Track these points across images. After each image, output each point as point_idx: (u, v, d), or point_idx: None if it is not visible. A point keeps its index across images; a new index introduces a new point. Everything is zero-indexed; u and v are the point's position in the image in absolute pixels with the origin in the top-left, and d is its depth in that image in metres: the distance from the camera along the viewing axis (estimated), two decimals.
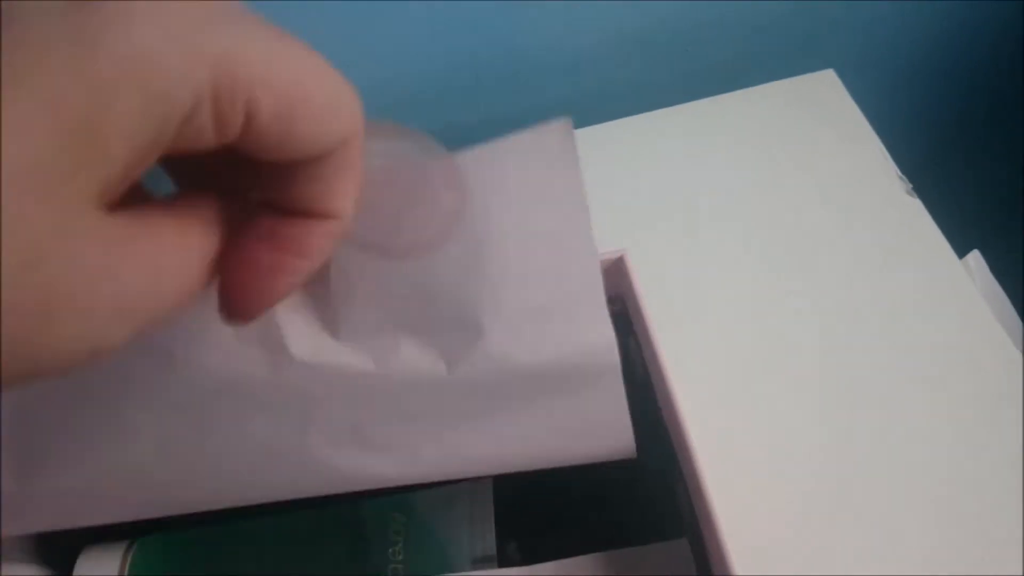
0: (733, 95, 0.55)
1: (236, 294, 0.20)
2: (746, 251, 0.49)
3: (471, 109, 0.59)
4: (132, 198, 0.17)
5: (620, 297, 0.37)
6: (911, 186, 0.51)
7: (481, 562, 0.35)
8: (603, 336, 0.29)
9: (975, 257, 0.48)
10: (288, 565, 0.34)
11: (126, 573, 0.34)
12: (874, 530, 0.39)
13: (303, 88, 0.17)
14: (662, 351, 0.34)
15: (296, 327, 0.28)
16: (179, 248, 0.18)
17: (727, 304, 0.47)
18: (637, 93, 0.58)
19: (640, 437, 0.36)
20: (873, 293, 0.46)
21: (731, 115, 0.55)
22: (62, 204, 0.15)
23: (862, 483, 0.41)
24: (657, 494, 0.36)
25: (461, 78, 0.57)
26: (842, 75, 0.55)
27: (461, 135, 0.57)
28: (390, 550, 0.35)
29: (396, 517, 0.35)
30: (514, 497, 0.37)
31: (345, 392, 0.28)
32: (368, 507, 0.36)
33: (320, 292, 0.28)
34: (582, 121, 0.55)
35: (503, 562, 0.35)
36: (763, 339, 0.45)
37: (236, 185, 0.20)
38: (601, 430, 0.31)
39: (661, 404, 0.35)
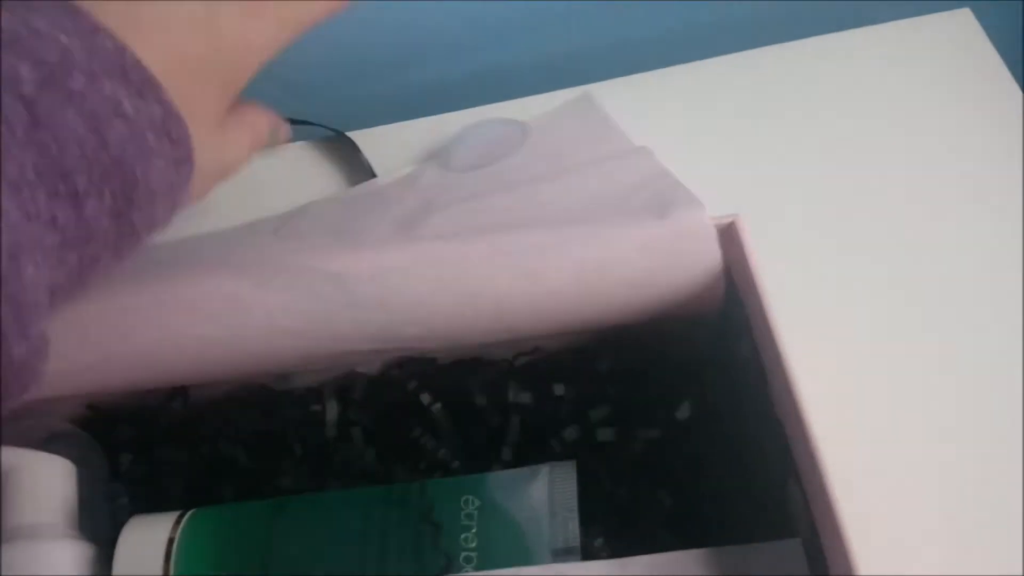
0: (855, 32, 0.49)
1: None
2: (870, 214, 0.43)
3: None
4: None
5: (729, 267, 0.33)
6: None
7: (563, 554, 0.31)
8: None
9: None
10: (350, 548, 0.31)
11: (175, 548, 0.32)
12: (1009, 533, 0.35)
13: None
14: (778, 325, 0.30)
15: None
16: None
17: (851, 275, 0.42)
18: (744, 27, 0.53)
19: (744, 425, 0.32)
20: (1016, 262, 0.41)
21: (852, 55, 0.49)
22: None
23: (997, 481, 0.36)
24: (762, 488, 0.32)
25: None
26: (979, 14, 0.49)
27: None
28: (462, 536, 0.31)
29: (469, 500, 0.32)
30: (600, 483, 0.34)
31: None
32: (438, 488, 0.32)
33: None
34: (674, 58, 0.50)
35: (587, 555, 0.32)
36: (891, 314, 0.41)
37: None
38: (689, 256, 0.32)
39: (773, 388, 0.30)
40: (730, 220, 0.32)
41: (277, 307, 0.31)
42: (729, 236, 0.32)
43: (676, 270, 0.33)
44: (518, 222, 0.33)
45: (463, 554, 0.31)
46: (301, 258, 0.32)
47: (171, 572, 0.31)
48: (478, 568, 0.31)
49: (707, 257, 0.32)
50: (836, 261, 0.43)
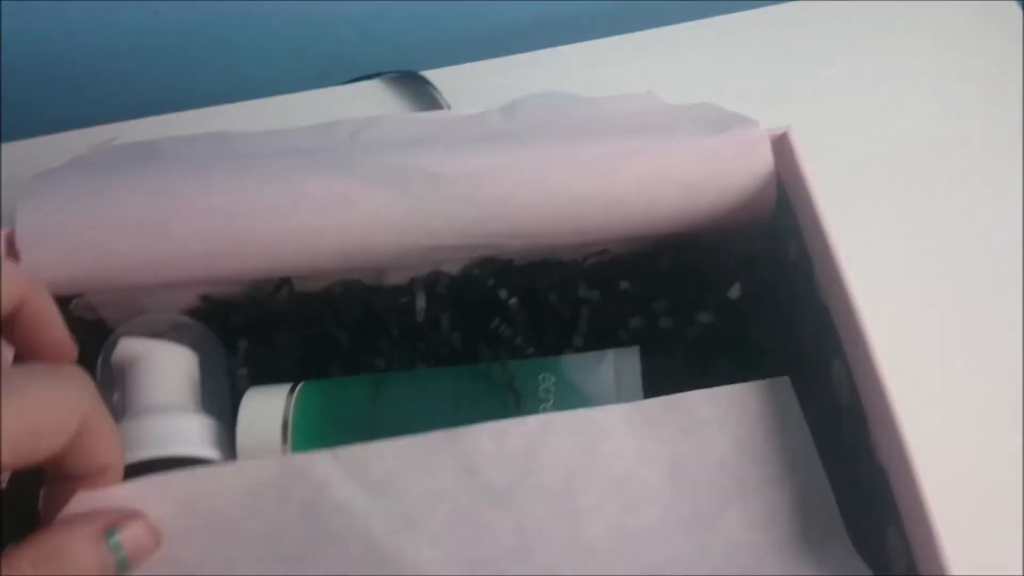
0: None
1: None
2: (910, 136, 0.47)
3: None
4: None
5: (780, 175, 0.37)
6: None
7: None
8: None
9: None
10: (443, 415, 0.35)
11: (290, 413, 0.36)
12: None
13: None
14: (827, 219, 0.33)
15: None
16: None
17: (892, 188, 0.45)
18: None
19: (792, 311, 0.36)
20: None
21: None
22: None
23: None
24: (809, 365, 0.36)
25: None
26: None
27: None
28: (540, 407, 0.35)
29: (545, 377, 0.36)
30: (662, 366, 0.38)
31: None
32: (518, 366, 0.36)
33: None
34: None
35: None
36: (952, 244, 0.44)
37: None
38: (744, 165, 0.36)
39: (820, 279, 0.34)
40: (783, 131, 0.36)
41: (381, 203, 0.36)
42: (781, 146, 0.36)
43: (731, 178, 0.37)
44: (593, 131, 0.37)
45: None
46: (401, 159, 0.36)
47: (288, 436, 0.36)
48: None
49: (761, 165, 0.36)
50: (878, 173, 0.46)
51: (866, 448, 0.31)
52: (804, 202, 0.35)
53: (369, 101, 0.54)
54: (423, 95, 0.53)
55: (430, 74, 0.54)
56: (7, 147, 0.52)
